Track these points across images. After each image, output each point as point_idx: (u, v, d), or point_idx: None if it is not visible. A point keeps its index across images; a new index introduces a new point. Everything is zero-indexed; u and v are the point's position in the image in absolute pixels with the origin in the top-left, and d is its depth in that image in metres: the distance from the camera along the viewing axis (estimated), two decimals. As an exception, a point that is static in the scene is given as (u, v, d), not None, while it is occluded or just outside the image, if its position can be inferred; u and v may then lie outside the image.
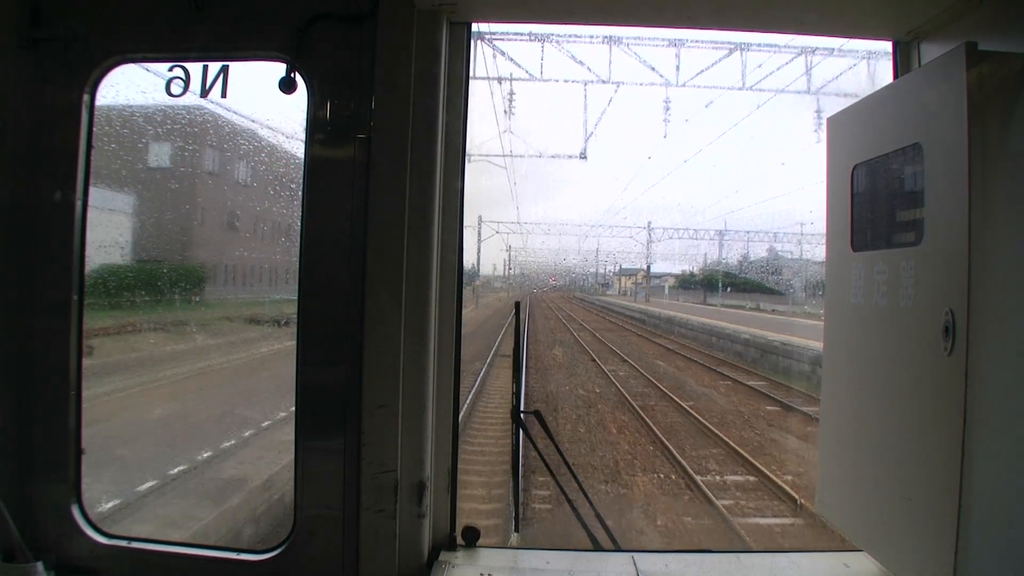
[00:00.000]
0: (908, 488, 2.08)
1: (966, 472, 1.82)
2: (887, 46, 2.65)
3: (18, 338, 2.34)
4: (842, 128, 2.62)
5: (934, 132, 2.04)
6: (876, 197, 2.48)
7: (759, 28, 2.79)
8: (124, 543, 2.37)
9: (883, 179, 2.43)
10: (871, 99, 2.46)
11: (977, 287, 1.83)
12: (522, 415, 2.75)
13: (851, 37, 2.69)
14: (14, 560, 2.19)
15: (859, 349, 2.47)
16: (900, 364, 2.18)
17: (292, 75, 2.29)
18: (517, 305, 2.93)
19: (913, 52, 2.57)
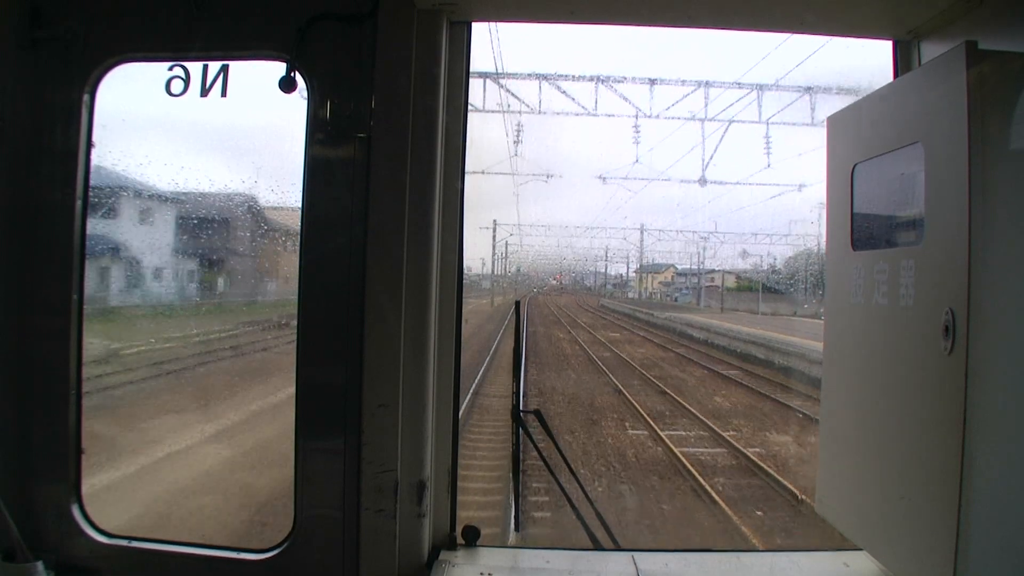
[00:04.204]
0: (908, 488, 2.08)
1: (966, 472, 1.82)
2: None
3: (18, 338, 2.34)
4: (842, 127, 2.62)
5: (934, 131, 2.04)
6: (876, 196, 2.48)
7: (759, 28, 2.79)
8: (124, 543, 2.37)
9: (883, 178, 2.43)
10: (871, 98, 2.46)
11: (977, 287, 1.83)
12: (522, 414, 2.76)
13: (851, 36, 2.69)
14: (14, 560, 2.19)
15: (859, 349, 2.46)
16: (900, 364, 2.17)
17: (292, 75, 2.29)
18: (517, 304, 2.95)
19: (913, 51, 2.57)
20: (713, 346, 23.05)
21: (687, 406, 12.28)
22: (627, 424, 12.12)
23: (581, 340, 24.64)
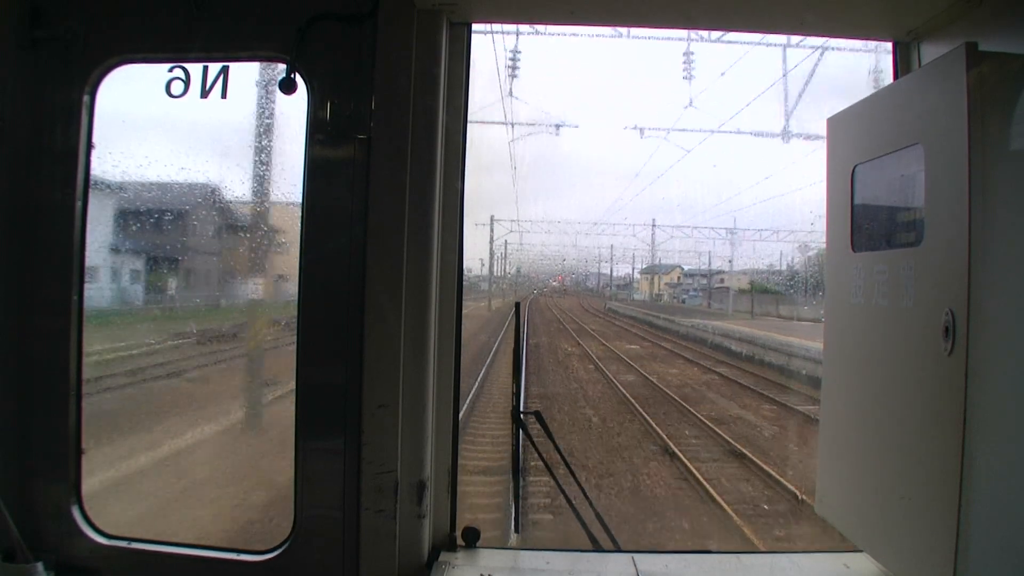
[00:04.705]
0: (908, 488, 2.08)
1: (966, 472, 1.82)
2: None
3: (18, 338, 2.34)
4: (842, 128, 2.62)
5: (934, 132, 2.04)
6: (876, 197, 2.48)
7: (759, 28, 2.80)
8: (124, 543, 2.37)
9: (883, 179, 2.43)
10: (871, 99, 2.46)
11: (977, 287, 1.83)
12: (522, 415, 2.75)
13: (851, 37, 2.71)
14: (14, 560, 2.19)
15: (859, 349, 2.46)
16: (900, 364, 2.17)
17: (292, 75, 2.29)
18: (517, 305, 2.95)
19: (913, 52, 2.57)
20: (764, 364, 17.02)
21: (780, 479, 7.49)
22: (709, 546, 7.02)
23: (594, 354, 19.76)
